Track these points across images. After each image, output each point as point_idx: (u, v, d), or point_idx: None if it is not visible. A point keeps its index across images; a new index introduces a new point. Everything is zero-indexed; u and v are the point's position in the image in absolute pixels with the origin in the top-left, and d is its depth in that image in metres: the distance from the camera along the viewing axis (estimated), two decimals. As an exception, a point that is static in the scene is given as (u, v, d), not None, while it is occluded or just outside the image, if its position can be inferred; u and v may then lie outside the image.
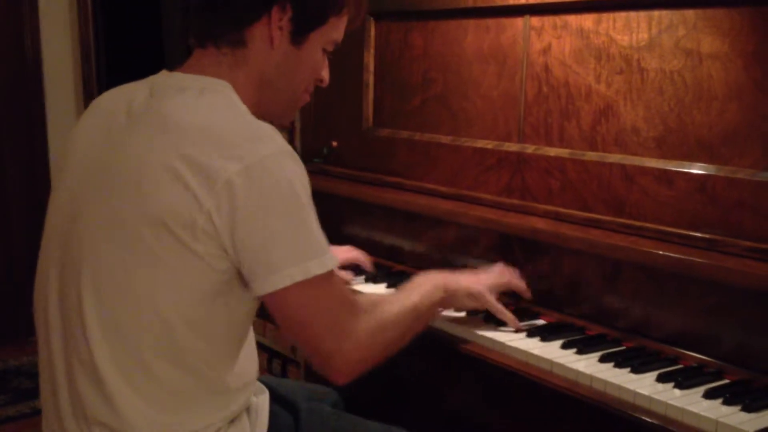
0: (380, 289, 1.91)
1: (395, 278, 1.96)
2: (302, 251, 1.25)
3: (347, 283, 1.93)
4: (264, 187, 1.21)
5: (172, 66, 1.38)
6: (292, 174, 1.24)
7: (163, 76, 1.36)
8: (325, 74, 1.45)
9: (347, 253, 2.03)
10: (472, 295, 1.64)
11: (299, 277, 1.24)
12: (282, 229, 1.23)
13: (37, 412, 3.14)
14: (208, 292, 1.25)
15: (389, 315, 1.42)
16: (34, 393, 3.33)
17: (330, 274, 1.28)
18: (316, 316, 1.29)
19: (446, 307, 1.65)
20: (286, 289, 1.24)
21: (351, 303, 1.35)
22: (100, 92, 1.43)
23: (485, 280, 1.68)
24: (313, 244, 1.27)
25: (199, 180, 1.19)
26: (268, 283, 1.24)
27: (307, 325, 1.30)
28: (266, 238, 1.22)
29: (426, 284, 1.56)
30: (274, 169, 1.22)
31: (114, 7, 4.96)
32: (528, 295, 1.73)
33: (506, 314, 1.65)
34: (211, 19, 1.33)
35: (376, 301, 1.44)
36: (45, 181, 3.89)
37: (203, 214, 1.20)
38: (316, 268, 1.25)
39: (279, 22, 1.32)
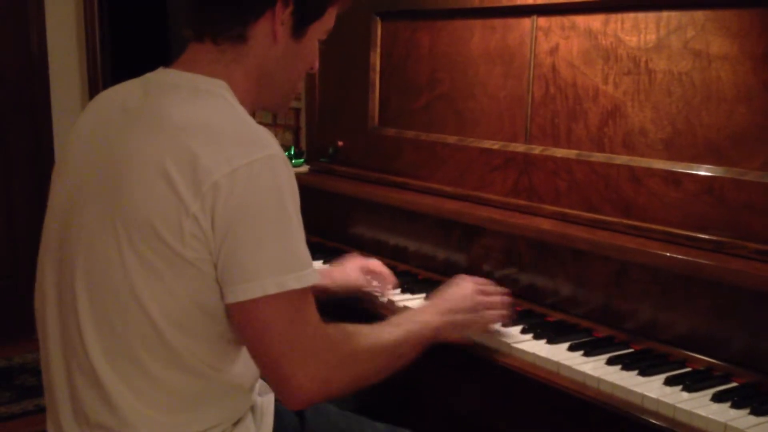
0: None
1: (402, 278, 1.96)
2: (281, 262, 1.19)
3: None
4: (249, 191, 1.17)
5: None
6: (281, 180, 1.21)
7: (159, 73, 1.35)
8: (317, 62, 1.44)
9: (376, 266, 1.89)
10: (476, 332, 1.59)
11: (272, 290, 1.18)
12: (262, 237, 1.19)
13: (41, 410, 3.14)
14: (198, 296, 1.23)
15: (364, 348, 1.34)
16: (38, 391, 3.33)
17: (306, 292, 1.23)
18: (281, 335, 1.22)
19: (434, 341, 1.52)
20: (255, 301, 1.19)
21: (321, 328, 1.28)
22: (105, 88, 1.43)
23: (489, 320, 1.61)
24: (294, 256, 1.21)
25: (187, 182, 1.17)
26: (238, 291, 1.19)
27: (269, 343, 1.23)
28: (244, 244, 1.18)
29: (417, 323, 1.47)
30: (262, 174, 1.18)
31: (119, 2, 4.97)
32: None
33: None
34: (215, 13, 1.31)
35: (352, 332, 1.35)
36: (50, 178, 3.89)
37: (189, 218, 1.17)
38: (293, 283, 1.20)
39: (281, 17, 1.32)
